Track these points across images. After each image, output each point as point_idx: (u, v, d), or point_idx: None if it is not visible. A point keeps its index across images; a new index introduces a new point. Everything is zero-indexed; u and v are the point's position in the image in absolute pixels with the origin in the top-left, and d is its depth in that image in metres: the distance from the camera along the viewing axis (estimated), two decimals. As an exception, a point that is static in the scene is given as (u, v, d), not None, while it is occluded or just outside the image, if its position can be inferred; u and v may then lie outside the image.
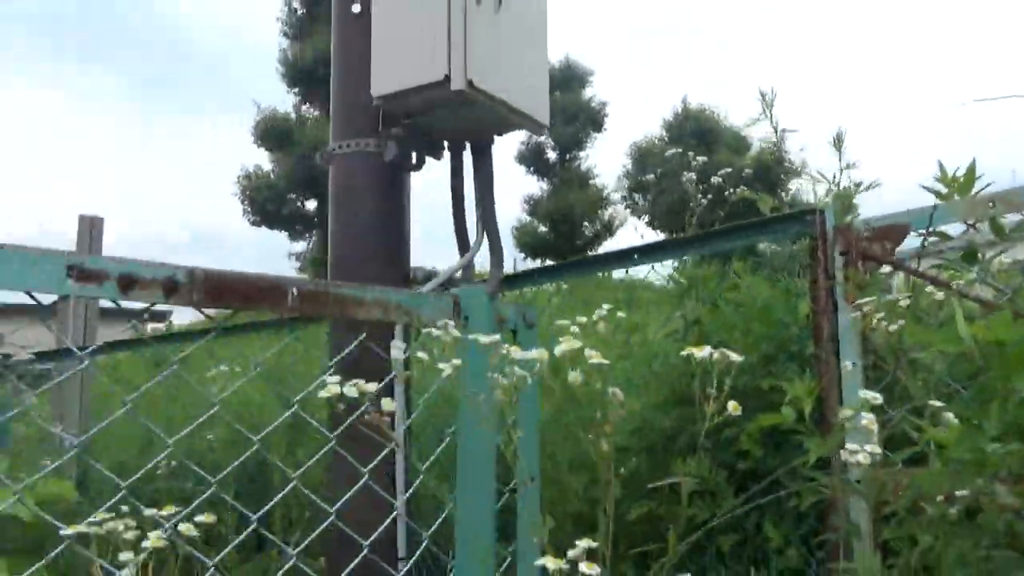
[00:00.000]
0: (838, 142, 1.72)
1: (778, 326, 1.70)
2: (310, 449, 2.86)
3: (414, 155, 2.31)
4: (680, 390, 1.80)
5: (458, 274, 2.34)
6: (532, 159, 21.77)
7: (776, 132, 1.71)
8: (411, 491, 1.92)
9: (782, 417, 1.29)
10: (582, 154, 22.28)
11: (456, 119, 2.16)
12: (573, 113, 20.68)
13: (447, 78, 1.96)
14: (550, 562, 0.85)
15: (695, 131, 17.87)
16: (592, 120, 21.57)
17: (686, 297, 1.94)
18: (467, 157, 2.41)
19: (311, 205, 18.78)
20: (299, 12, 18.80)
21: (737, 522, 1.61)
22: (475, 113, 2.11)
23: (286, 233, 19.43)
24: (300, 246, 19.72)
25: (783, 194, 13.28)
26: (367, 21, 2.20)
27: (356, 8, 2.22)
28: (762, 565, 1.61)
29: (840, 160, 1.74)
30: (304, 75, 18.14)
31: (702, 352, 1.02)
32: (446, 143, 2.36)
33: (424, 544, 1.42)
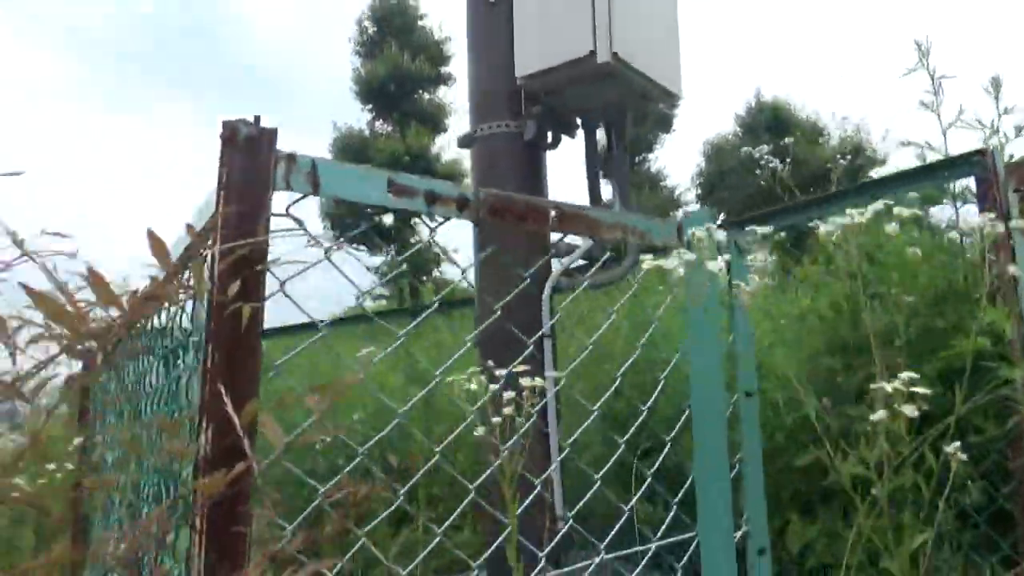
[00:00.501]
0: (995, 86, 1.73)
1: (946, 269, 1.72)
2: (445, 428, 3.00)
3: (549, 135, 2.42)
4: (839, 337, 1.83)
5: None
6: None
7: (932, 81, 1.73)
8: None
9: (978, 344, 1.31)
10: (651, 156, 22.10)
11: (597, 95, 2.24)
12: (642, 114, 20.56)
13: (593, 53, 2.05)
14: (887, 385, 0.92)
15: (770, 124, 17.55)
16: (661, 120, 21.35)
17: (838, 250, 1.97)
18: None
19: (388, 219, 19.22)
20: (370, 31, 19.29)
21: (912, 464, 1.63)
22: (616, 87, 2.19)
23: (364, 248, 19.93)
24: (378, 260, 20.18)
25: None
26: (503, 8, 2.33)
27: (492, -2, 2.35)
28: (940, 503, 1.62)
29: (997, 106, 1.75)
30: (376, 92, 18.65)
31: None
32: (580, 121, 2.46)
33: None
